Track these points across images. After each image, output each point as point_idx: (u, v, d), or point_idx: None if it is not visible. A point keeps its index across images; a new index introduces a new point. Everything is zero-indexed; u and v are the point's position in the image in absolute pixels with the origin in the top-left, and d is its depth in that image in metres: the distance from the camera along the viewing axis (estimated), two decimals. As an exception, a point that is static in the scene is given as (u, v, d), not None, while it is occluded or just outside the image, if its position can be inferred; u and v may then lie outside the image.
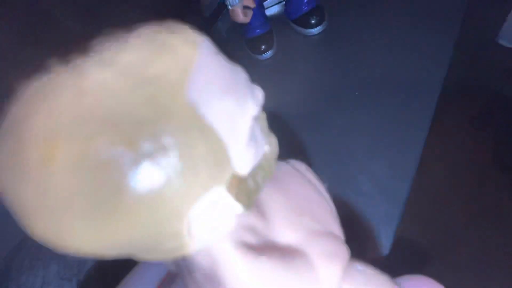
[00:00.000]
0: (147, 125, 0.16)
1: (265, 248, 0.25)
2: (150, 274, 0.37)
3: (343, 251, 0.27)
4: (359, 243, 0.63)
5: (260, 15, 0.89)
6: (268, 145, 0.25)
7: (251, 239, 0.24)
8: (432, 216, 0.86)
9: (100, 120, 0.16)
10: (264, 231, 0.26)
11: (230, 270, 0.23)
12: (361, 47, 0.86)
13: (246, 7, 0.80)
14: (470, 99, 1.05)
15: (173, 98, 0.17)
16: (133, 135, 0.16)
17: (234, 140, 0.20)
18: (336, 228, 0.29)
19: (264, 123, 0.25)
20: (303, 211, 0.28)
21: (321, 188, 0.31)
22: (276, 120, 0.81)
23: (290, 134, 0.78)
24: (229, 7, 0.79)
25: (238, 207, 0.21)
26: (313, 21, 0.90)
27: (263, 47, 0.91)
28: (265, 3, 0.96)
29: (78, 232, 0.17)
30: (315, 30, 0.91)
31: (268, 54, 0.92)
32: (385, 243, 0.63)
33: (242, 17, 0.80)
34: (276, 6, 1.01)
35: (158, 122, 0.17)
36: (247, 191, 0.22)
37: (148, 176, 0.16)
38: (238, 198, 0.21)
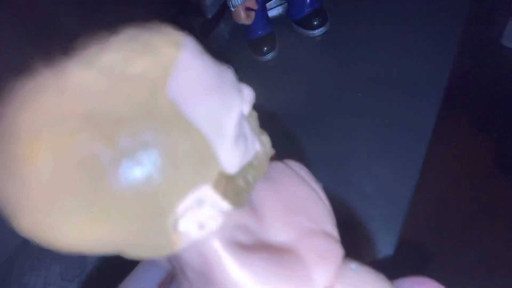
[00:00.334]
0: (126, 122, 0.17)
1: (257, 247, 0.25)
2: (151, 274, 0.37)
3: (337, 250, 0.27)
4: (363, 245, 0.63)
5: (262, 17, 0.89)
6: (260, 144, 0.25)
7: (243, 237, 0.24)
8: (436, 218, 0.86)
9: (81, 118, 0.16)
10: (257, 230, 0.26)
11: (221, 268, 0.23)
12: (364, 49, 0.86)
13: (248, 9, 0.80)
14: (474, 100, 1.04)
15: (153, 96, 0.18)
16: (112, 132, 0.16)
17: (219, 139, 0.20)
18: (330, 227, 0.29)
19: (255, 122, 0.26)
20: (297, 210, 0.28)
21: (317, 187, 0.31)
22: (279, 121, 0.80)
23: (293, 135, 0.78)
24: (232, 8, 0.79)
25: (226, 205, 0.21)
26: (315, 23, 0.90)
27: (265, 48, 0.91)
28: (267, 5, 0.96)
29: (62, 227, 0.17)
30: (318, 32, 0.91)
31: (271, 55, 0.92)
32: (389, 244, 0.62)
33: (244, 18, 0.80)
34: (278, 7, 1.01)
35: (137, 119, 0.17)
36: (236, 189, 0.22)
37: (128, 172, 0.17)
38: (226, 196, 0.21)
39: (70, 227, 0.17)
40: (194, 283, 0.24)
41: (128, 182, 0.17)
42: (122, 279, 0.40)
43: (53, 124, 0.16)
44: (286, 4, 0.96)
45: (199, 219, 0.20)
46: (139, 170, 0.17)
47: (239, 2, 0.77)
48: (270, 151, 0.27)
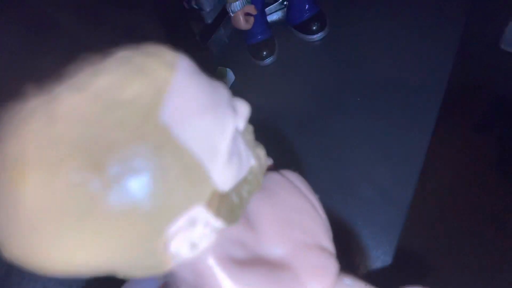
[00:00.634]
0: (116, 149, 0.16)
1: (252, 262, 0.25)
2: (148, 282, 0.36)
3: (332, 265, 0.27)
4: (361, 251, 0.62)
5: (261, 22, 0.90)
6: (255, 159, 0.25)
7: (238, 252, 0.24)
8: (436, 224, 0.85)
9: (70, 145, 0.16)
10: (253, 244, 0.25)
11: (215, 285, 0.22)
12: (363, 53, 0.86)
13: (247, 14, 0.81)
14: (473, 104, 1.04)
15: (146, 121, 0.17)
16: (101, 159, 0.16)
17: (213, 159, 0.20)
18: (326, 241, 0.29)
19: (250, 136, 0.25)
20: (292, 223, 0.28)
21: (313, 199, 0.31)
22: (278, 124, 0.80)
23: (291, 140, 0.78)
24: (231, 14, 0.80)
25: (219, 223, 0.21)
26: (314, 27, 0.90)
27: (264, 53, 0.91)
28: (266, 10, 0.97)
29: (51, 253, 0.17)
30: (317, 37, 0.92)
31: (270, 59, 0.92)
32: (388, 251, 0.62)
33: (243, 23, 0.80)
34: (277, 12, 1.01)
35: (128, 145, 0.17)
36: (230, 206, 0.22)
37: (117, 199, 0.17)
38: (219, 214, 0.21)
39: (59, 253, 0.17)
40: None
41: (117, 208, 0.17)
42: (120, 285, 0.40)
43: (42, 151, 0.16)
44: (286, 9, 0.97)
45: (191, 239, 0.20)
46: (128, 196, 0.17)
47: (238, 8, 0.78)
48: (266, 163, 0.27)
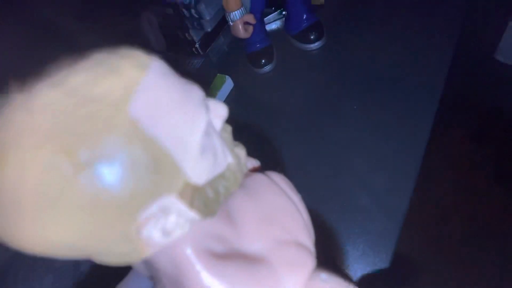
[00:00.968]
0: (87, 137, 0.18)
1: (231, 256, 0.26)
2: (142, 283, 0.37)
3: (309, 261, 0.28)
4: (358, 258, 0.62)
5: (260, 31, 0.91)
6: (233, 157, 0.26)
7: (217, 246, 0.25)
8: (431, 231, 0.85)
9: (45, 134, 0.18)
10: (232, 239, 0.27)
11: (193, 276, 0.23)
12: (359, 63, 0.88)
13: (246, 23, 0.82)
14: (469, 114, 1.05)
15: (115, 114, 0.19)
16: (73, 146, 0.18)
17: (183, 152, 0.22)
18: (304, 238, 0.30)
19: (228, 135, 0.27)
20: (272, 221, 0.29)
21: (296, 198, 0.32)
22: (275, 131, 0.81)
23: (288, 147, 0.78)
24: (230, 23, 0.81)
25: (193, 215, 0.23)
26: (312, 37, 0.92)
27: (263, 61, 0.92)
28: (265, 19, 0.99)
29: (27, 231, 0.19)
30: (314, 46, 0.93)
31: (268, 67, 0.93)
32: (384, 258, 0.62)
33: (243, 32, 0.81)
34: (276, 22, 1.03)
35: (98, 134, 0.19)
36: (204, 199, 0.23)
37: (88, 183, 0.18)
38: (192, 205, 0.22)
39: (36, 231, 0.19)
40: None
41: (88, 190, 0.18)
42: (115, 284, 0.40)
43: (21, 138, 0.18)
44: (284, 19, 0.99)
45: (164, 227, 0.22)
46: (98, 180, 0.18)
47: (238, 17, 0.79)
48: (245, 162, 0.28)
